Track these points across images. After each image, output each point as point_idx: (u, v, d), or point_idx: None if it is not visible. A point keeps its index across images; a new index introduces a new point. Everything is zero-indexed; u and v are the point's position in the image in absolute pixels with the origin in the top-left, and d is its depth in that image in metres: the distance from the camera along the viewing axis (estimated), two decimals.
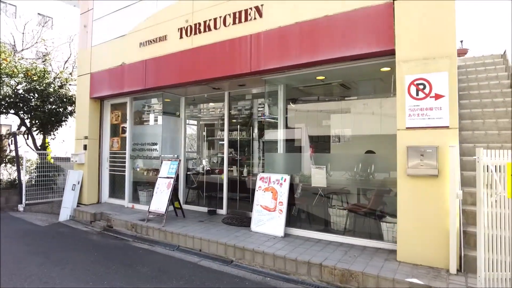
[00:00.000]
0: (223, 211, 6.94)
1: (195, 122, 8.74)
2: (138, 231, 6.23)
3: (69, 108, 10.95)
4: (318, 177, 5.28)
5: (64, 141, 11.91)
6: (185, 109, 7.76)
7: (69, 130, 12.48)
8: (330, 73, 5.44)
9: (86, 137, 8.14)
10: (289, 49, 5.06)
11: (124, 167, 8.08)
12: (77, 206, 7.98)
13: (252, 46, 5.42)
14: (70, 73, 11.44)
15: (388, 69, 5.13)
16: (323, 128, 6.76)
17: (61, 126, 11.40)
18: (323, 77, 5.76)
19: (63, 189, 10.07)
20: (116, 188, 8.42)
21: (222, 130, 7.41)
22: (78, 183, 8.08)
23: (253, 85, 6.46)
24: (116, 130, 8.39)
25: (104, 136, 8.45)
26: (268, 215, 5.47)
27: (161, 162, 6.67)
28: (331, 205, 5.42)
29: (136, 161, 7.88)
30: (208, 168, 7.86)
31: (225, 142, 7.02)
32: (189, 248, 5.41)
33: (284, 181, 5.45)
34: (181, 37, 6.38)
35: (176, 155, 7.31)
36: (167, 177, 6.37)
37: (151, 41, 6.89)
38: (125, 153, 8.04)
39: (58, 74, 11.09)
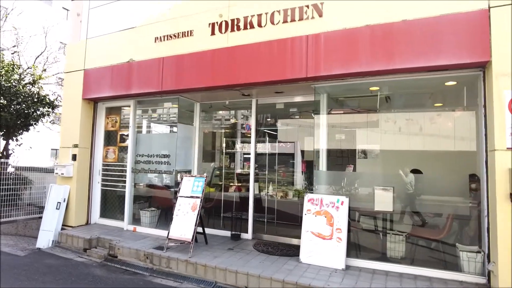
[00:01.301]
0: (248, 235, 6.06)
1: (208, 132, 7.76)
2: (155, 262, 5.12)
3: (41, 110, 9.35)
4: (383, 200, 4.68)
5: (32, 148, 10.15)
6: (200, 117, 6.80)
7: (37, 135, 10.78)
8: (391, 84, 4.93)
9: (76, 145, 6.79)
10: (358, 54, 4.46)
11: (122, 181, 6.85)
12: (62, 229, 6.58)
13: (309, 49, 4.73)
14: (44, 69, 9.83)
15: (454, 83, 4.75)
16: (358, 143, 6.22)
17: (28, 131, 9.72)
18: (377, 88, 5.24)
19: (29, 204, 8.52)
20: (109, 207, 7.12)
21: (246, 142, 6.58)
22: (64, 200, 6.68)
23: (292, 93, 5.75)
24: (111, 138, 7.14)
25: (97, 144, 7.15)
26: (323, 244, 4.73)
27: (181, 178, 5.65)
28: (395, 231, 4.84)
29: (140, 175, 6.71)
30: (225, 184, 6.93)
31: (252, 156, 6.17)
32: (230, 285, 4.47)
33: (341, 204, 4.77)
34: (213, 33, 5.51)
35: (194, 170, 6.33)
36: (191, 197, 5.37)
37: (171, 36, 5.90)
38: (124, 165, 6.83)
39: (30, 68, 9.46)
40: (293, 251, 5.28)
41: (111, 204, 7.10)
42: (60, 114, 12.77)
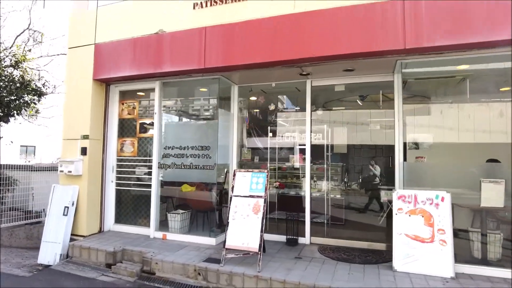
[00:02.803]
0: (305, 239, 5.17)
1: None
2: (212, 279, 4.10)
3: (26, 98, 7.86)
4: (493, 195, 3.98)
5: (13, 142, 8.56)
6: (238, 102, 5.78)
7: (17, 127, 9.19)
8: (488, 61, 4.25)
9: (86, 137, 5.53)
10: (472, 20, 3.70)
11: (144, 179, 5.71)
12: (71, 240, 5.31)
13: (406, 14, 3.92)
14: (29, 49, 8.27)
15: None
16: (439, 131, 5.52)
17: (8, 122, 8.17)
18: (467, 66, 4.55)
19: (12, 209, 7.11)
20: (126, 210, 5.93)
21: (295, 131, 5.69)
22: (73, 204, 5.41)
23: (363, 72, 4.92)
24: (128, 128, 5.94)
25: (109, 136, 5.91)
26: (422, 248, 3.96)
27: (233, 174, 4.64)
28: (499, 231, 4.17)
29: (169, 171, 5.57)
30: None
31: (307, 147, 5.28)
32: None
33: (442, 200, 4.02)
34: None
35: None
36: (251, 196, 4.39)
37: (216, 1, 4.85)
38: (147, 160, 5.68)
39: (11, 48, 7.91)
40: (374, 257, 4.49)
41: (128, 207, 5.91)
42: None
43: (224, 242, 4.26)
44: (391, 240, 4.46)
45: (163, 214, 5.70)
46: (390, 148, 7.40)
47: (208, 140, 5.28)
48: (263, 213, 4.23)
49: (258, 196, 4.36)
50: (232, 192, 4.51)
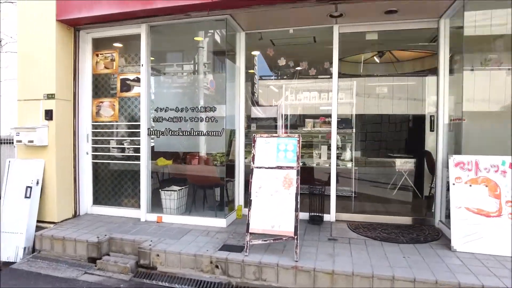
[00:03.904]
0: (330, 216, 4.44)
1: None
2: (234, 273, 3.22)
3: None
4: None
5: None
6: (245, 53, 4.71)
7: None
8: None
9: (51, 96, 4.25)
10: None
11: (126, 150, 4.60)
12: (37, 228, 4.15)
13: None
14: None
15: None
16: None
17: None
18: None
19: None
20: (106, 188, 4.81)
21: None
22: (37, 183, 4.19)
23: (407, 15, 4.03)
24: (106, 86, 4.71)
25: (82, 96, 4.65)
26: (487, 224, 3.33)
27: (253, 141, 3.67)
28: None
29: (163, 139, 4.46)
30: None
31: (333, 111, 4.41)
32: None
33: (510, 167, 3.37)
34: None
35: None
36: (279, 167, 3.48)
37: None
38: (133, 126, 4.55)
39: None
40: (419, 234, 3.84)
41: (110, 184, 4.80)
42: None
43: (248, 224, 3.36)
44: (417, 213, 3.77)
45: (151, 191, 4.68)
46: (401, 117, 6.81)
47: (214, 100, 4.24)
48: (297, 187, 3.36)
49: (288, 167, 3.46)
50: (253, 162, 3.57)
